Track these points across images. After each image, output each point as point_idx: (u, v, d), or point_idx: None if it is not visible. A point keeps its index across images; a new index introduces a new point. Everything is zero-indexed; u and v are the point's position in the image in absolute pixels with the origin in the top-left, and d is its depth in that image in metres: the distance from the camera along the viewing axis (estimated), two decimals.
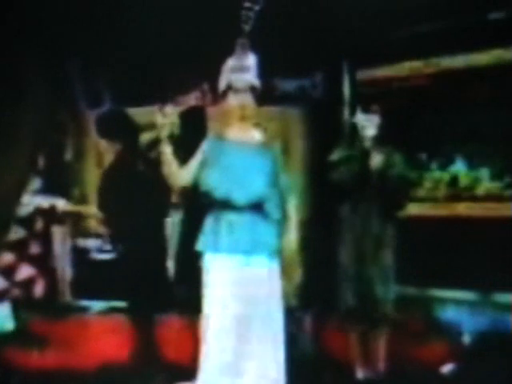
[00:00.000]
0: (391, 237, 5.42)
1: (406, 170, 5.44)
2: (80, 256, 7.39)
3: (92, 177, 7.50)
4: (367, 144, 5.34)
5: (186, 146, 5.48)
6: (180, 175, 4.42)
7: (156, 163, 5.37)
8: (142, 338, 5.61)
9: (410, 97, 6.85)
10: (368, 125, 5.35)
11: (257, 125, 4.50)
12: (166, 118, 4.34)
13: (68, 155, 7.46)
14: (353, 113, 7.22)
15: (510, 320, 6.07)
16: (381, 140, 5.38)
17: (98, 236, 7.18)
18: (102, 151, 7.40)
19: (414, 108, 6.84)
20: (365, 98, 6.79)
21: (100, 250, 7.11)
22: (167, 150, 4.36)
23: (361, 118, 5.42)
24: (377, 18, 6.52)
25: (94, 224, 7.40)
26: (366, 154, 5.34)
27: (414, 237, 5.71)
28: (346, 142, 5.74)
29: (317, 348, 6.57)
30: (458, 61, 6.68)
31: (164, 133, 4.34)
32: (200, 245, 4.41)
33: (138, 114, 6.29)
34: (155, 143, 4.39)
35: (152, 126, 4.55)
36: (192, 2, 6.15)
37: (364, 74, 7.24)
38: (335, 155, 5.46)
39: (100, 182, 5.81)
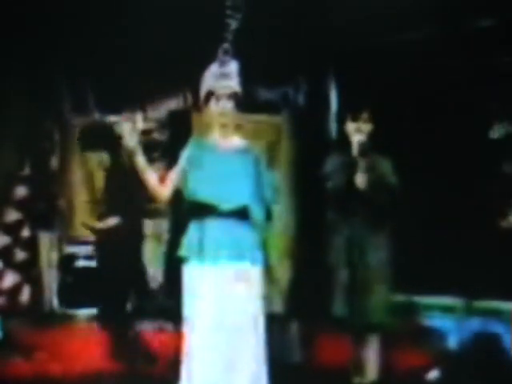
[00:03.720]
0: (380, 242, 5.43)
1: (392, 179, 5.45)
2: (67, 263, 7.35)
3: (78, 184, 7.50)
4: (357, 152, 5.35)
5: (171, 151, 5.49)
6: (158, 191, 4.40)
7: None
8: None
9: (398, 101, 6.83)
10: (358, 133, 5.36)
11: (238, 131, 4.49)
12: (133, 126, 4.31)
13: (54, 163, 7.43)
14: (339, 119, 7.31)
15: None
16: (370, 148, 5.40)
17: (85, 243, 7.15)
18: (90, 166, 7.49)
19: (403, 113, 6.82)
20: (352, 104, 6.80)
21: (87, 257, 7.08)
22: (142, 163, 4.33)
23: (351, 127, 5.42)
24: (362, 24, 6.53)
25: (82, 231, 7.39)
26: (355, 163, 5.35)
27: (400, 244, 5.70)
28: (336, 151, 5.75)
29: (305, 355, 6.58)
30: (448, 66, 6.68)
31: (133, 143, 4.31)
32: (183, 251, 4.39)
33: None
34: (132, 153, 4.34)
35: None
36: (175, 8, 6.16)
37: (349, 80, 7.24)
38: (328, 166, 5.47)
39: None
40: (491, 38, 6.30)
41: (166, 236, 7.16)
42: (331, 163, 5.52)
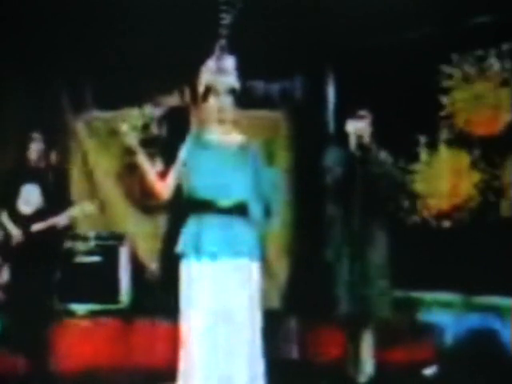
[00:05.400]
0: (379, 236, 5.45)
1: (393, 170, 5.47)
2: (66, 259, 7.34)
3: (77, 181, 7.51)
4: (357, 148, 5.38)
5: (170, 147, 5.50)
6: (159, 188, 4.41)
7: None
8: None
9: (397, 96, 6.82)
10: (358, 130, 5.39)
11: (236, 126, 4.49)
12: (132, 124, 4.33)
13: (52, 160, 7.42)
14: (337, 114, 7.32)
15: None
16: (370, 143, 5.42)
17: (84, 238, 7.15)
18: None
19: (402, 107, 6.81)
20: (350, 99, 6.82)
21: (86, 252, 7.08)
22: (143, 161, 4.34)
23: (351, 125, 5.45)
24: (361, 21, 6.53)
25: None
26: (354, 156, 5.38)
27: (399, 240, 5.71)
28: (335, 146, 5.78)
29: (302, 351, 6.60)
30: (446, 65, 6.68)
31: (133, 141, 4.32)
32: (181, 246, 4.40)
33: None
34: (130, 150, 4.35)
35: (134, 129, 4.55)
36: (172, 4, 6.16)
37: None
38: (327, 160, 5.50)
39: None
40: (491, 38, 6.31)
41: (163, 231, 7.16)
42: (330, 157, 5.54)
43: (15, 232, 5.69)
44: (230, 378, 4.26)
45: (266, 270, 4.67)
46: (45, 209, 5.76)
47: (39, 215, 5.75)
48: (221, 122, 4.42)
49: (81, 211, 5.99)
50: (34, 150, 5.92)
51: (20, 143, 7.25)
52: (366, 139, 5.42)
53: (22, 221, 5.73)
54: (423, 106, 6.67)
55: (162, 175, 4.45)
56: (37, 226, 5.72)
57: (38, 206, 5.78)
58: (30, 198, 5.77)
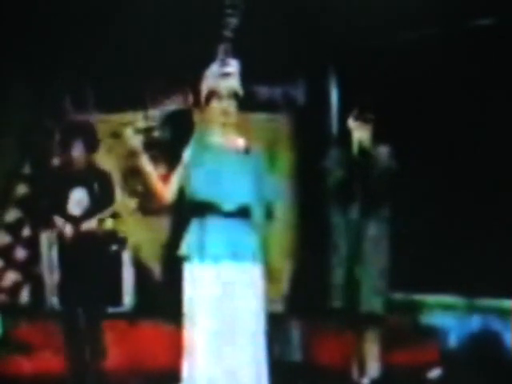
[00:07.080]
0: (380, 238, 5.45)
1: (391, 163, 5.48)
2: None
3: None
4: (357, 151, 5.38)
5: (173, 149, 5.50)
6: (162, 192, 4.41)
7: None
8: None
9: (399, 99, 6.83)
10: (360, 131, 5.40)
11: (239, 130, 4.49)
12: (135, 127, 4.33)
13: (55, 161, 7.42)
14: (340, 117, 7.33)
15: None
16: (372, 145, 5.43)
17: None
18: None
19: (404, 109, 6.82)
20: (352, 101, 6.82)
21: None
22: (146, 164, 4.34)
23: (352, 125, 5.45)
24: (363, 22, 6.54)
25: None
26: (355, 160, 5.38)
27: (401, 242, 5.72)
28: (337, 148, 5.78)
29: (305, 354, 6.60)
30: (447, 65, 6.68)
31: (136, 144, 4.32)
32: (184, 249, 4.40)
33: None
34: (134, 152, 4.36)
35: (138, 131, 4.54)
36: (175, 7, 6.17)
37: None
38: (328, 161, 5.50)
39: None
40: (491, 38, 6.32)
41: (166, 234, 7.17)
42: (331, 158, 5.56)
43: (67, 229, 5.72)
44: (235, 382, 4.26)
45: (269, 273, 4.67)
46: (93, 210, 5.78)
47: (88, 216, 5.78)
48: (224, 125, 4.42)
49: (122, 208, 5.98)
50: (75, 152, 5.89)
51: (21, 144, 7.31)
52: (368, 141, 5.43)
53: (73, 222, 5.76)
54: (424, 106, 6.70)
55: (165, 178, 4.45)
56: (85, 226, 5.75)
57: (86, 207, 5.81)
58: (79, 200, 5.79)
